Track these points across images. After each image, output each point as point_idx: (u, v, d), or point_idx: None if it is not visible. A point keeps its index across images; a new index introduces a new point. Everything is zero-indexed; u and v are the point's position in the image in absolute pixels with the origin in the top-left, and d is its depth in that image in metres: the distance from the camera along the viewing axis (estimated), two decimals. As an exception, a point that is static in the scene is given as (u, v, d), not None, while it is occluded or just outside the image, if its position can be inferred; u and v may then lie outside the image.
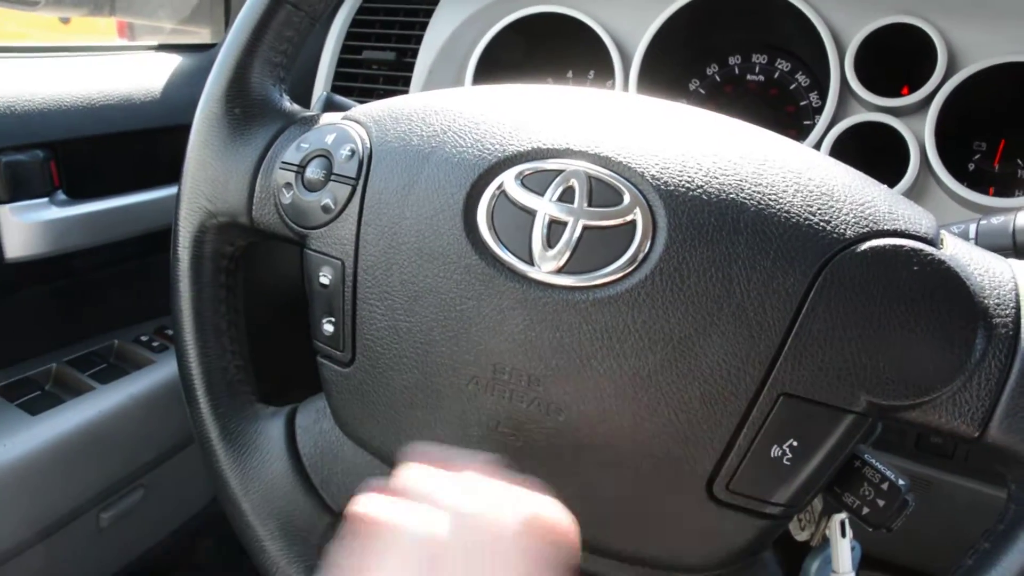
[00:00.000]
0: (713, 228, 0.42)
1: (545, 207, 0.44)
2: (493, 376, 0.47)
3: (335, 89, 1.06)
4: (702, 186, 0.43)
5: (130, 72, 0.99)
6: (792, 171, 0.43)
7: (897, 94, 0.77)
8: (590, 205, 0.44)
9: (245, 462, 0.59)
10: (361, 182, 0.51)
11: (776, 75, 0.92)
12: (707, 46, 0.94)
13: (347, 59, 1.07)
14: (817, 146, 0.80)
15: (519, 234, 0.45)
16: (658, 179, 0.43)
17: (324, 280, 0.53)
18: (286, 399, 0.63)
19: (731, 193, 0.42)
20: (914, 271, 0.40)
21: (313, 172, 0.53)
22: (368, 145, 0.52)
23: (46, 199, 0.86)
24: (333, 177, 0.52)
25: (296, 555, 0.57)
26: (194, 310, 0.59)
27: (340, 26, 1.07)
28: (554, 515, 0.37)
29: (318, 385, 0.58)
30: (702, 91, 0.95)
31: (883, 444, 0.47)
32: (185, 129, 0.59)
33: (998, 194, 0.75)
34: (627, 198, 0.43)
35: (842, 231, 0.41)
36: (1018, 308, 0.40)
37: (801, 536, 0.54)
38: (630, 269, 0.43)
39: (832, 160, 0.45)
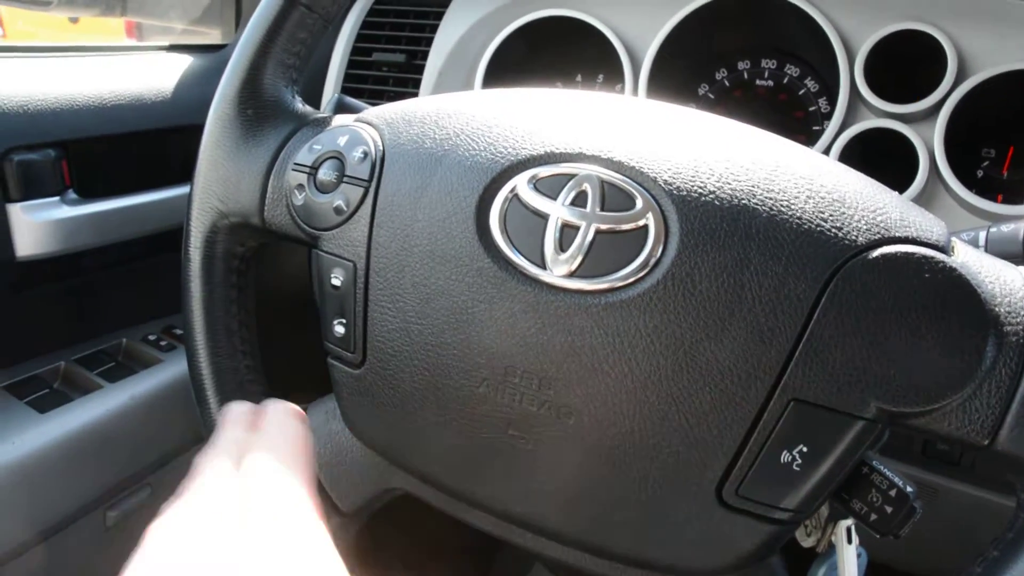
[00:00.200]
0: (725, 233, 0.42)
1: (558, 211, 0.45)
2: (504, 379, 0.47)
3: (345, 91, 1.06)
4: (714, 191, 0.43)
5: (141, 72, 0.99)
6: (804, 177, 0.43)
7: (906, 100, 0.77)
8: (602, 209, 0.44)
9: None
10: (374, 184, 0.51)
11: (785, 80, 0.92)
12: (716, 51, 0.94)
13: (357, 61, 1.07)
14: (826, 152, 0.80)
15: (531, 238, 0.45)
16: (670, 184, 0.43)
17: (336, 282, 0.53)
18: (296, 400, 0.64)
19: (743, 199, 0.42)
20: (925, 278, 0.40)
21: (325, 174, 0.53)
22: (381, 147, 0.52)
23: (57, 198, 0.86)
24: (345, 179, 0.52)
25: None
26: (205, 310, 0.59)
27: (351, 28, 1.08)
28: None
29: (328, 386, 0.58)
30: (711, 95, 0.95)
31: (890, 451, 0.47)
32: (196, 129, 0.60)
33: (1007, 201, 0.75)
34: (639, 203, 0.43)
35: (854, 238, 0.41)
36: None
37: (807, 542, 0.54)
38: (642, 274, 0.43)
39: (844, 167, 0.45)
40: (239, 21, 1.16)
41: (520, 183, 0.46)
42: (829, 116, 0.82)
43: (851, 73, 0.80)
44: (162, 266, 1.05)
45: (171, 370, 0.98)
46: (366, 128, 0.54)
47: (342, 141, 0.54)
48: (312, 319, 1.04)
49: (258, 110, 0.57)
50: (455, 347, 0.48)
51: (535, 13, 0.95)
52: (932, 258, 0.40)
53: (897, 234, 0.41)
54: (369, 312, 0.52)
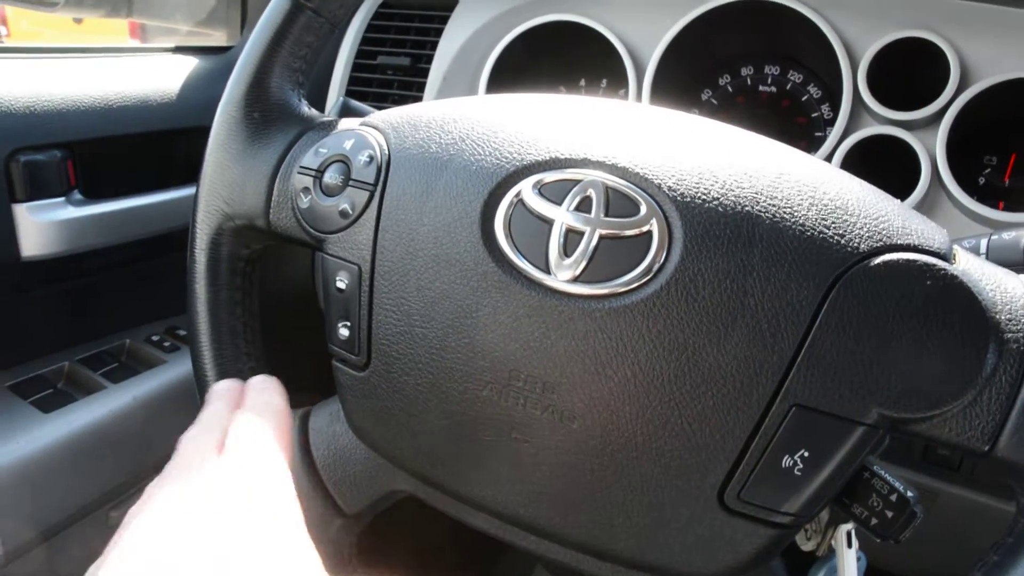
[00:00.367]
0: (728, 240, 0.42)
1: (562, 216, 0.45)
2: (507, 382, 0.47)
3: (349, 94, 1.06)
4: (718, 198, 0.43)
5: (146, 74, 1.00)
6: (807, 185, 0.43)
7: (909, 108, 0.78)
8: (607, 215, 0.44)
9: None
10: (379, 188, 0.52)
11: (788, 86, 0.92)
12: (720, 56, 0.95)
13: (362, 64, 1.08)
14: (828, 158, 0.80)
15: (536, 243, 0.46)
16: (675, 190, 0.44)
17: (340, 284, 0.53)
18: (299, 402, 0.64)
19: (747, 205, 0.43)
20: (927, 285, 0.40)
21: (331, 177, 0.54)
22: (386, 151, 0.52)
23: (62, 199, 0.87)
24: (351, 182, 0.53)
25: None
26: (210, 311, 0.60)
27: (355, 31, 1.08)
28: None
29: (331, 388, 0.58)
30: (714, 101, 0.96)
31: (890, 456, 0.47)
32: (200, 131, 0.60)
33: (1008, 209, 0.75)
34: (644, 209, 0.44)
35: (856, 245, 0.41)
36: None
37: (807, 546, 0.54)
38: (646, 279, 0.43)
39: (846, 174, 0.45)
40: (244, 23, 1.17)
41: (525, 188, 0.46)
42: (832, 122, 0.82)
43: (854, 80, 0.80)
44: (166, 267, 1.06)
45: (174, 371, 0.98)
46: (372, 132, 0.54)
47: (348, 145, 0.54)
48: (315, 322, 1.04)
49: (264, 113, 0.58)
50: (459, 350, 0.48)
51: (539, 18, 0.96)
52: (933, 265, 0.40)
53: (899, 241, 0.42)
54: (374, 315, 0.52)
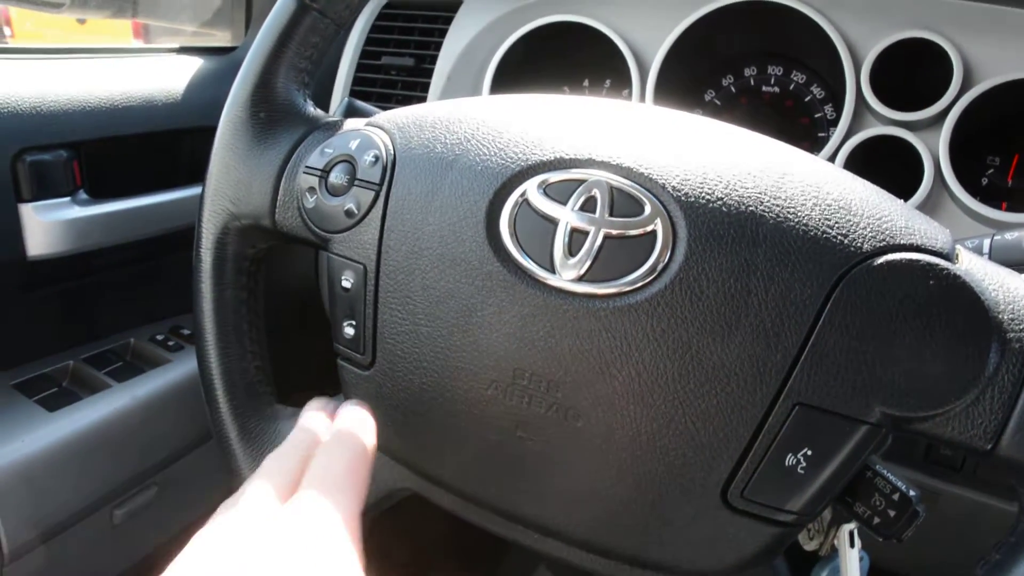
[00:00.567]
0: (732, 239, 0.43)
1: (567, 216, 0.45)
2: (512, 381, 0.47)
3: (353, 94, 1.07)
4: (722, 198, 0.43)
5: (152, 74, 1.00)
6: (811, 184, 0.43)
7: (912, 108, 0.78)
8: (611, 215, 0.44)
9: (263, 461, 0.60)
10: (385, 188, 0.52)
11: (791, 87, 0.92)
12: (723, 57, 0.95)
13: (366, 64, 1.08)
14: (831, 158, 0.80)
15: (541, 242, 0.46)
16: (679, 190, 0.44)
17: (346, 284, 0.53)
18: (304, 401, 0.64)
19: (751, 205, 0.43)
20: (929, 285, 0.40)
21: (337, 177, 0.54)
22: (392, 151, 0.53)
23: (68, 198, 0.87)
24: (357, 182, 0.53)
25: None
26: (215, 311, 0.60)
27: (360, 32, 1.08)
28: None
29: (335, 387, 0.59)
30: (717, 102, 0.96)
31: (892, 456, 0.47)
32: (205, 131, 0.60)
33: (1011, 209, 0.75)
34: (648, 209, 0.44)
35: (859, 244, 0.42)
36: None
37: (810, 546, 0.54)
38: (650, 278, 0.43)
39: (850, 175, 0.45)
40: (248, 24, 1.17)
41: (530, 188, 0.47)
42: (835, 123, 0.82)
43: (857, 80, 0.80)
44: (170, 267, 1.06)
45: (179, 370, 0.98)
46: (377, 132, 0.54)
47: (353, 145, 0.54)
48: (319, 321, 1.05)
49: (270, 113, 0.58)
50: (464, 349, 0.49)
51: (543, 19, 0.96)
52: (936, 265, 0.41)
53: (902, 241, 0.42)
54: (379, 314, 0.52)
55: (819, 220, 0.42)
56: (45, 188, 0.84)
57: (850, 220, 0.42)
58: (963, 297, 0.40)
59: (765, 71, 0.94)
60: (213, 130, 0.59)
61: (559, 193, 0.46)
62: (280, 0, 0.57)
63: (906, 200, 0.75)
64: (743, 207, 0.43)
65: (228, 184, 0.58)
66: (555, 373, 0.46)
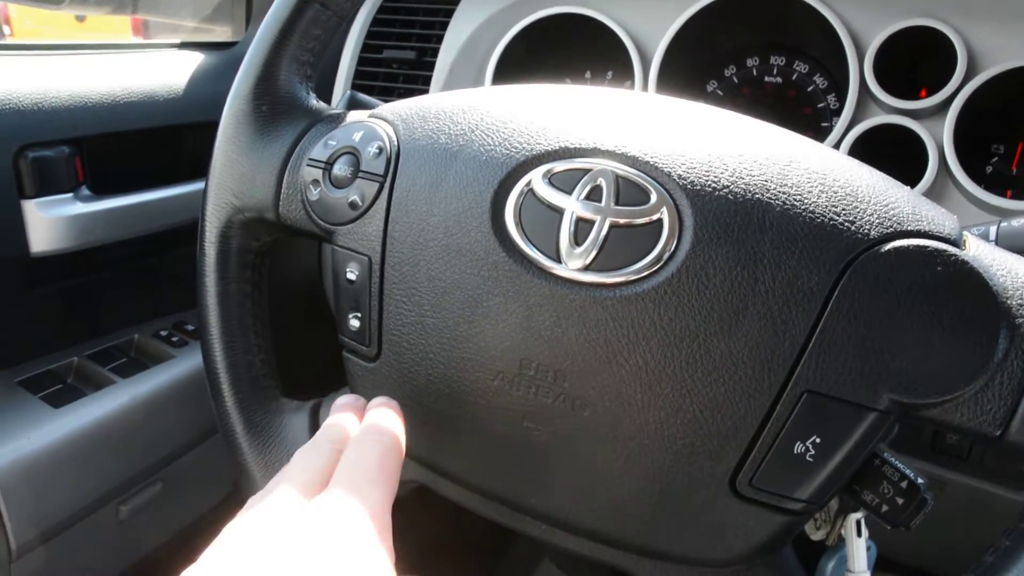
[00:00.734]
0: (739, 227, 0.42)
1: (573, 205, 0.45)
2: (519, 371, 0.47)
3: (355, 87, 1.07)
4: (728, 186, 0.43)
5: (153, 69, 1.00)
6: (817, 172, 0.43)
7: (916, 97, 0.77)
8: (617, 204, 0.44)
9: (269, 455, 0.60)
10: (389, 179, 0.52)
11: (794, 77, 0.92)
12: (725, 47, 0.95)
13: (367, 58, 1.08)
14: (835, 148, 0.80)
15: (546, 232, 0.46)
16: (685, 179, 0.44)
17: (351, 276, 0.53)
18: (308, 394, 0.64)
19: (757, 193, 0.43)
20: (937, 271, 0.40)
21: (340, 169, 0.54)
22: (396, 143, 0.52)
23: (71, 195, 0.87)
24: (361, 174, 0.53)
25: None
26: (220, 305, 0.60)
27: (361, 25, 1.08)
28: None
29: (340, 380, 0.59)
30: (720, 92, 0.96)
31: (898, 445, 0.47)
32: (207, 126, 0.60)
33: (1016, 197, 0.75)
34: (654, 197, 0.44)
35: (866, 231, 0.41)
36: None
37: (817, 536, 0.54)
38: (656, 267, 0.43)
39: (856, 162, 0.45)
40: (249, 19, 1.17)
41: (535, 178, 0.46)
42: (838, 112, 0.82)
43: (860, 69, 0.80)
44: (174, 262, 1.06)
45: (183, 366, 0.98)
46: (381, 124, 0.54)
47: (357, 137, 0.54)
48: (323, 314, 1.05)
49: (273, 106, 0.58)
50: (470, 340, 0.48)
51: (545, 10, 0.96)
52: (944, 251, 0.40)
53: (909, 228, 0.42)
54: (384, 306, 0.52)
55: (826, 207, 0.42)
56: (48, 184, 0.84)
57: (857, 207, 0.42)
58: (971, 283, 0.40)
59: (768, 61, 0.93)
60: (214, 125, 0.59)
61: (564, 182, 0.46)
62: None
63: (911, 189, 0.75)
64: (749, 195, 0.43)
65: (231, 177, 0.58)
66: (562, 363, 0.46)
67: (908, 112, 0.78)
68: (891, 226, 0.42)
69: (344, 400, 0.48)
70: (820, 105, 0.91)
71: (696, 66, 0.95)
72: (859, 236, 0.41)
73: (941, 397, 0.41)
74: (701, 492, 0.45)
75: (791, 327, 0.42)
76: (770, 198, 0.42)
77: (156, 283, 1.06)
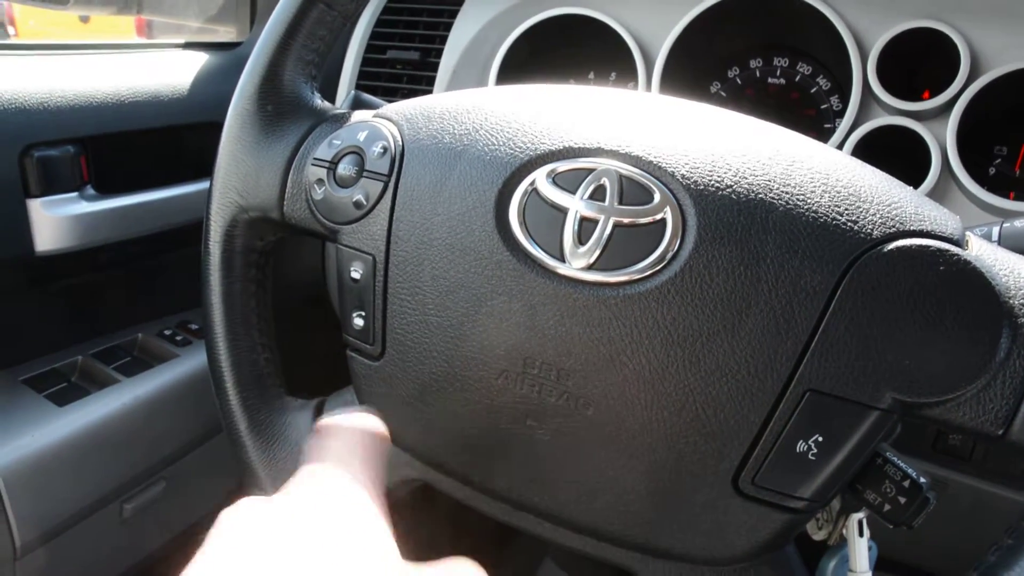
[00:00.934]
0: (742, 227, 0.43)
1: (576, 205, 0.45)
2: (523, 370, 0.47)
3: (359, 88, 1.07)
4: (731, 186, 0.43)
5: (158, 69, 1.00)
6: (820, 172, 0.43)
7: (919, 98, 0.78)
8: (621, 203, 0.44)
9: (274, 453, 0.60)
10: (393, 179, 0.52)
11: (797, 78, 0.92)
12: (728, 49, 0.95)
13: (371, 58, 1.08)
14: (838, 149, 0.80)
15: (550, 231, 0.46)
16: (688, 178, 0.44)
17: (355, 275, 0.54)
18: (314, 392, 0.64)
19: (760, 193, 0.43)
20: (940, 271, 0.40)
21: (345, 168, 0.54)
22: (400, 142, 0.53)
23: (76, 194, 0.87)
24: (365, 173, 0.53)
25: None
26: (224, 303, 0.60)
27: (365, 26, 1.08)
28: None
29: (343, 379, 0.59)
30: (723, 94, 0.96)
31: (900, 445, 0.47)
32: (211, 126, 0.60)
33: (1018, 198, 0.75)
34: (657, 197, 0.44)
35: (869, 231, 0.42)
36: None
37: (818, 535, 0.54)
38: (660, 267, 0.44)
39: (859, 162, 0.45)
40: (253, 19, 1.17)
41: (539, 177, 0.47)
42: (841, 114, 0.82)
43: (863, 71, 0.80)
44: (178, 262, 1.06)
45: (186, 365, 0.99)
46: (385, 124, 0.54)
47: (362, 136, 0.54)
48: (327, 313, 1.05)
49: (278, 106, 0.58)
50: (474, 339, 0.49)
51: (548, 11, 0.96)
52: (946, 251, 0.41)
53: (912, 227, 0.42)
54: (388, 305, 0.52)
55: (829, 207, 0.42)
56: (53, 183, 0.84)
57: (860, 207, 0.42)
58: (974, 283, 0.40)
59: (771, 63, 0.94)
60: (219, 125, 0.59)
61: (568, 182, 0.46)
62: None
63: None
64: (752, 195, 0.43)
65: (236, 177, 0.58)
66: (565, 362, 0.46)
67: (911, 113, 0.78)
68: (894, 226, 0.42)
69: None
70: (823, 106, 0.91)
71: (699, 67, 0.95)
72: (862, 236, 0.41)
73: (943, 396, 0.41)
74: (704, 490, 0.46)
75: (794, 326, 0.42)
76: (773, 198, 0.43)
77: (160, 282, 1.07)
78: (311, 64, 0.59)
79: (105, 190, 0.91)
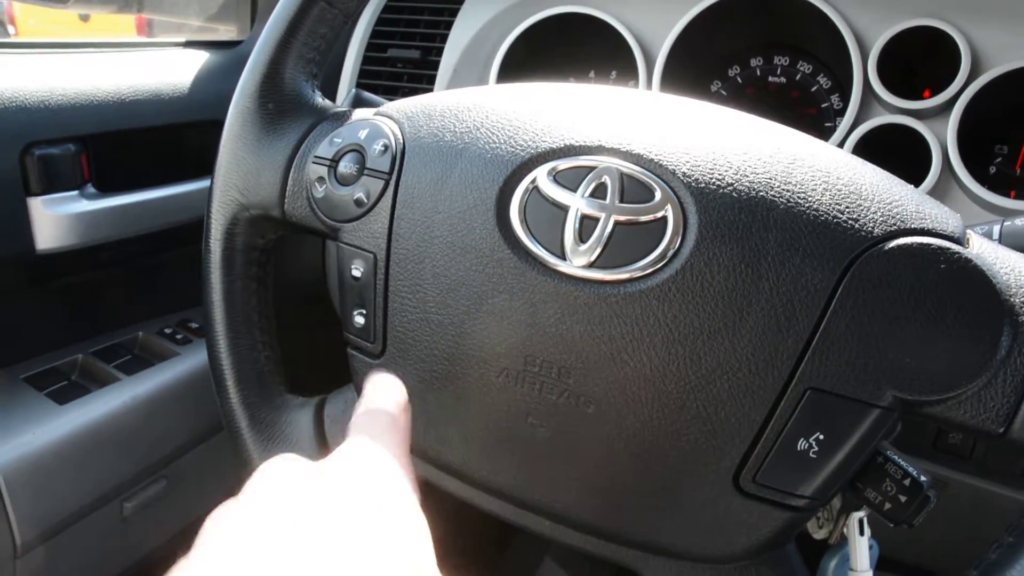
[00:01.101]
0: (743, 225, 0.43)
1: (577, 203, 0.45)
2: (524, 368, 0.47)
3: (359, 87, 1.07)
4: (732, 184, 0.43)
5: (158, 68, 1.00)
6: (821, 170, 0.43)
7: (919, 97, 0.78)
8: (622, 201, 0.44)
9: (274, 451, 0.60)
10: (394, 177, 0.52)
11: (798, 77, 0.92)
12: (729, 48, 0.95)
13: (372, 57, 1.08)
14: (839, 147, 0.80)
15: (551, 229, 0.46)
16: (689, 176, 0.44)
17: (356, 273, 0.54)
18: (315, 390, 0.64)
19: (761, 191, 0.43)
20: (941, 269, 0.40)
21: (346, 166, 0.54)
22: (401, 140, 0.53)
23: (76, 192, 0.87)
24: (366, 171, 0.53)
25: None
26: (225, 302, 0.60)
27: (365, 24, 1.08)
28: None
29: (347, 376, 0.59)
30: (724, 92, 0.96)
31: (900, 444, 0.47)
32: (212, 125, 0.60)
33: (1019, 197, 0.75)
34: (658, 195, 0.44)
35: (870, 229, 0.42)
36: None
37: (819, 534, 0.54)
38: (660, 264, 0.44)
39: (860, 160, 0.45)
40: (254, 18, 1.17)
41: (540, 175, 0.47)
42: (842, 112, 0.82)
43: (864, 69, 0.80)
44: (178, 260, 1.06)
45: (187, 363, 0.99)
46: (386, 122, 0.54)
47: (362, 134, 0.54)
48: (327, 311, 1.05)
49: (279, 104, 0.58)
50: (475, 337, 0.49)
51: (549, 10, 0.96)
52: (947, 249, 0.41)
53: (913, 226, 0.42)
54: (389, 302, 0.52)
55: (830, 205, 0.42)
56: (53, 182, 0.84)
57: (861, 205, 0.42)
58: (974, 281, 0.40)
59: (771, 61, 0.94)
60: (219, 124, 0.59)
61: (569, 180, 0.46)
62: None
63: (914, 188, 0.75)
64: (753, 193, 0.43)
65: (237, 175, 0.58)
66: (566, 360, 0.46)
67: (912, 112, 0.78)
68: (895, 224, 0.42)
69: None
70: (824, 105, 0.91)
71: (700, 66, 0.95)
72: (863, 234, 0.41)
73: (944, 394, 0.41)
74: (705, 488, 0.46)
75: (795, 324, 0.42)
76: (774, 196, 0.43)
77: (161, 281, 1.07)
78: (312, 62, 0.59)
79: (106, 188, 0.91)
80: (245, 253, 0.60)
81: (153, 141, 0.98)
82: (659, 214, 0.44)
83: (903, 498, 0.45)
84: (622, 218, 0.44)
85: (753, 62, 0.94)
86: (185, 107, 1.00)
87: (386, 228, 0.52)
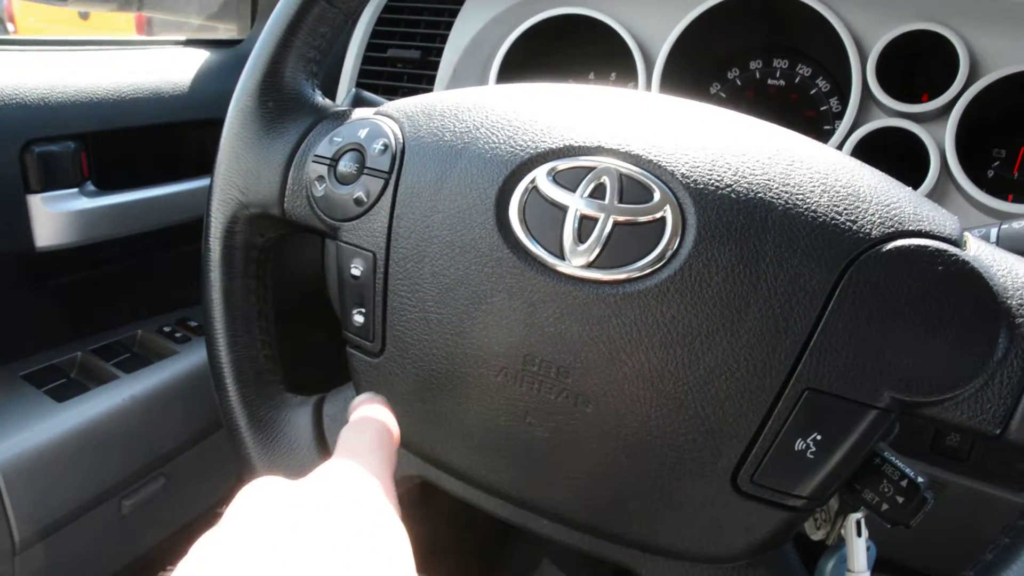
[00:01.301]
0: (741, 226, 0.43)
1: (576, 203, 0.45)
2: (522, 367, 0.47)
3: (360, 87, 1.07)
4: (731, 185, 0.43)
5: (159, 66, 1.00)
6: (819, 172, 0.44)
7: (918, 100, 0.78)
8: (621, 202, 0.45)
9: (273, 450, 0.60)
10: (394, 176, 0.52)
11: (797, 80, 0.93)
12: (728, 50, 0.95)
13: (372, 57, 1.08)
14: (837, 150, 0.80)
15: (550, 229, 0.46)
16: (688, 177, 0.44)
17: (355, 272, 0.54)
18: (314, 389, 0.64)
19: (760, 192, 0.43)
20: (938, 271, 0.41)
21: (346, 166, 0.54)
22: (401, 140, 0.53)
23: (76, 190, 0.88)
24: (366, 171, 0.53)
25: None
26: (225, 300, 0.60)
27: (366, 24, 1.08)
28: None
29: (342, 376, 0.59)
30: (723, 95, 0.96)
31: (898, 446, 0.47)
32: (212, 123, 0.61)
33: (1017, 201, 0.75)
34: (657, 195, 0.44)
35: (868, 231, 0.42)
36: None
37: (816, 535, 0.54)
38: (659, 265, 0.44)
39: (858, 162, 0.46)
40: (255, 17, 1.17)
41: (539, 175, 0.47)
42: (840, 115, 0.82)
43: (863, 72, 0.80)
44: (178, 258, 1.07)
45: (186, 361, 0.99)
46: (386, 121, 0.55)
47: (362, 133, 0.54)
48: (327, 310, 1.05)
49: (279, 103, 0.58)
50: (474, 336, 0.49)
51: (549, 11, 0.96)
52: (945, 251, 0.41)
53: (910, 228, 0.42)
54: (388, 302, 0.52)
55: (828, 207, 0.42)
56: (53, 179, 0.84)
57: (859, 207, 0.42)
58: (972, 283, 0.40)
59: (770, 64, 0.94)
60: (219, 122, 0.60)
61: (568, 180, 0.46)
62: None
63: (912, 191, 0.75)
64: (752, 194, 0.43)
65: (237, 173, 0.58)
66: (565, 359, 0.46)
67: (910, 115, 0.78)
68: (892, 226, 0.42)
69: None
70: (822, 108, 0.91)
71: (699, 68, 0.95)
72: (861, 236, 0.42)
73: (941, 396, 0.41)
74: (703, 488, 0.46)
75: (792, 325, 0.42)
76: (772, 197, 0.43)
77: (160, 279, 1.07)
78: (312, 61, 0.59)
79: (105, 186, 0.91)
80: (245, 252, 0.61)
81: (153, 139, 0.98)
82: (658, 215, 0.44)
83: (901, 499, 0.45)
84: (621, 218, 0.44)
85: (752, 64, 0.95)
86: (185, 105, 1.00)
87: (385, 227, 0.52)
